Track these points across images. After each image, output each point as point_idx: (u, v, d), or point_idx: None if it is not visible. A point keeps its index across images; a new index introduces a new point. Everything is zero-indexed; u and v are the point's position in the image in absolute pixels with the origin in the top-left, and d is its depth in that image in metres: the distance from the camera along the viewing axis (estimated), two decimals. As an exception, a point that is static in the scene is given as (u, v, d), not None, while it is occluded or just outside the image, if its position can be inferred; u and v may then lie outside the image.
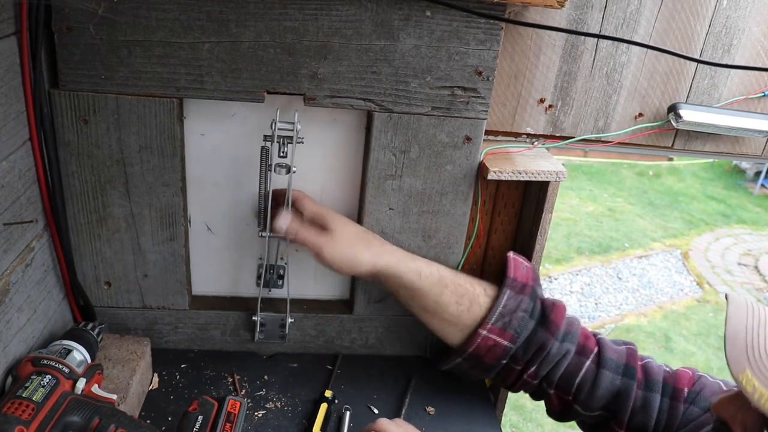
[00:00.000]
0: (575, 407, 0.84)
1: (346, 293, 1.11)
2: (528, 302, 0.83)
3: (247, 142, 0.95)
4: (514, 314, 0.81)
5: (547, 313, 0.82)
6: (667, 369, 0.84)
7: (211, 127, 0.95)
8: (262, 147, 0.90)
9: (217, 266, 1.06)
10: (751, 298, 0.66)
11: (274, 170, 0.91)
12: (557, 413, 0.89)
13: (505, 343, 0.80)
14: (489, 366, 0.86)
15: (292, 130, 0.89)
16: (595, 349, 0.83)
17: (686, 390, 0.79)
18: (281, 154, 0.90)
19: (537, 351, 0.82)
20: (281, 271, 1.05)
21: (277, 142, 0.89)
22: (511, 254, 0.95)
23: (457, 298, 0.86)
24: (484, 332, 0.80)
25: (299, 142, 0.90)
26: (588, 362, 0.82)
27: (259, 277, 1.06)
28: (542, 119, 1.03)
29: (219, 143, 0.96)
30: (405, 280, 0.88)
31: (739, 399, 0.63)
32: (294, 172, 0.91)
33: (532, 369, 0.83)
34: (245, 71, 0.86)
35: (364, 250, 0.88)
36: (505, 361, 0.84)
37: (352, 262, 0.88)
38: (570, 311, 0.86)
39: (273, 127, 0.88)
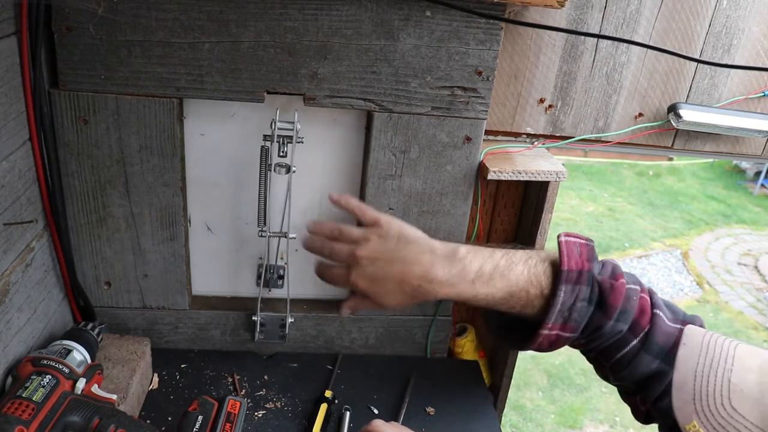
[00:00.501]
0: (609, 376, 0.81)
1: (346, 293, 1.11)
2: (585, 290, 0.75)
3: (247, 142, 0.95)
4: (573, 307, 0.75)
5: (605, 297, 0.75)
6: None
7: (211, 127, 0.95)
8: (262, 147, 0.90)
9: (217, 266, 1.06)
10: (710, 333, 0.62)
11: (274, 170, 0.91)
12: (597, 372, 0.83)
13: (568, 334, 0.76)
14: (549, 350, 0.80)
15: (292, 130, 0.89)
16: (646, 328, 0.76)
17: None
18: (281, 154, 0.90)
19: (593, 331, 0.77)
20: (281, 271, 1.05)
21: (277, 141, 0.89)
22: (562, 238, 0.80)
23: (519, 308, 0.79)
24: (545, 332, 0.75)
25: (299, 142, 0.90)
26: (635, 341, 0.76)
27: (259, 277, 1.06)
28: (542, 119, 1.03)
29: (219, 143, 0.96)
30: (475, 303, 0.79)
31: None
32: (294, 171, 0.91)
33: (583, 342, 0.79)
34: (245, 71, 0.86)
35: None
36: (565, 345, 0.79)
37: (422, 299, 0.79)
38: (627, 278, 0.77)
39: (273, 127, 0.88)
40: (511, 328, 0.84)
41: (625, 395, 0.82)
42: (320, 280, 0.86)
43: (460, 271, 0.76)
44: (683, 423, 0.55)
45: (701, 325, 0.76)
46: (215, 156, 0.96)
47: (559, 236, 0.81)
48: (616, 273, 0.78)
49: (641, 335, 0.76)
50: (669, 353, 0.74)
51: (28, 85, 0.78)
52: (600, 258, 0.81)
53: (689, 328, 0.63)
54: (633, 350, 0.76)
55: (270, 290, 1.06)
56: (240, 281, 1.08)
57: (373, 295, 0.79)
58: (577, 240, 0.81)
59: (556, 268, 0.77)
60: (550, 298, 0.75)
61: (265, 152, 0.90)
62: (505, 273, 0.76)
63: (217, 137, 0.95)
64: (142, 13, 0.81)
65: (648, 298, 0.77)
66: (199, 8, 0.81)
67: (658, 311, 0.76)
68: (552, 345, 0.77)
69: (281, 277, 1.05)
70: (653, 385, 0.75)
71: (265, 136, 0.91)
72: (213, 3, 0.81)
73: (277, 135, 0.89)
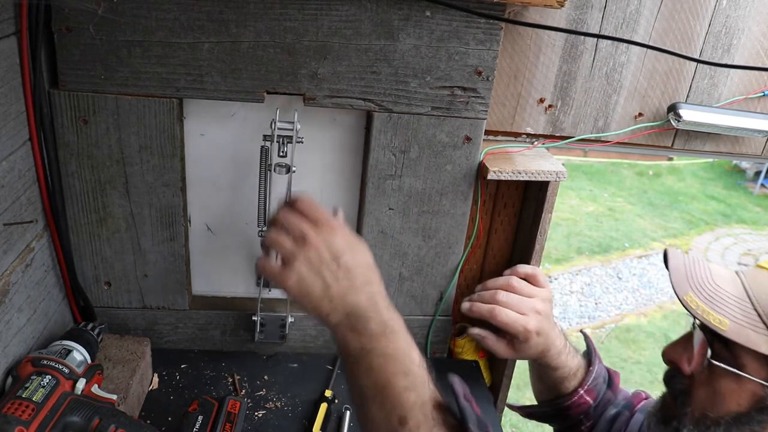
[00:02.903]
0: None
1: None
2: (604, 371, 0.98)
3: (247, 142, 0.95)
4: (598, 379, 0.96)
5: (612, 379, 0.98)
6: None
7: (211, 127, 0.95)
8: (262, 147, 0.90)
9: (217, 266, 1.06)
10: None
11: (274, 170, 0.91)
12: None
13: (590, 400, 0.95)
14: (570, 418, 0.97)
15: (292, 130, 0.89)
16: (635, 401, 0.97)
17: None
18: (281, 154, 0.90)
19: (603, 408, 0.96)
20: None
21: (277, 141, 0.89)
22: (586, 331, 1.05)
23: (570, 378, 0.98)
24: (582, 392, 0.94)
25: (299, 142, 0.90)
26: (628, 413, 0.96)
27: (259, 277, 1.06)
28: (542, 119, 1.03)
29: (219, 143, 0.96)
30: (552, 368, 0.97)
31: (684, 339, 0.75)
32: (294, 171, 0.91)
33: (591, 423, 0.96)
34: (245, 71, 0.86)
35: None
36: (581, 417, 0.96)
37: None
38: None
39: (273, 127, 0.88)
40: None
41: None
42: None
43: (551, 337, 0.94)
44: (681, 295, 0.69)
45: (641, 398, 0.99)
46: (215, 156, 0.96)
47: (582, 331, 1.05)
48: (610, 368, 1.00)
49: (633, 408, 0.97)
50: (627, 403, 0.97)
51: (28, 85, 0.78)
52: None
53: (668, 249, 0.79)
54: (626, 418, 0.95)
55: (270, 290, 1.06)
56: (240, 281, 1.08)
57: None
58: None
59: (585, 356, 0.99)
60: (587, 371, 0.96)
61: (265, 152, 0.90)
62: (569, 347, 0.97)
63: (217, 137, 0.95)
64: (142, 13, 0.81)
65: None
66: (199, 8, 0.81)
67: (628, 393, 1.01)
68: (578, 407, 0.95)
69: None
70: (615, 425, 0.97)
71: (265, 136, 0.91)
72: (213, 3, 0.81)
73: (277, 135, 0.89)
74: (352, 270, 0.68)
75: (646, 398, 0.98)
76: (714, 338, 0.68)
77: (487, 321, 0.93)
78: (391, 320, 0.68)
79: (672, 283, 0.71)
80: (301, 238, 0.68)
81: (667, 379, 0.76)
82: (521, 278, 0.96)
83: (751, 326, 0.65)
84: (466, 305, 0.96)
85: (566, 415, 0.96)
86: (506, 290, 0.94)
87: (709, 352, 0.68)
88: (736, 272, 0.73)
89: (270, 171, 0.91)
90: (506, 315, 0.91)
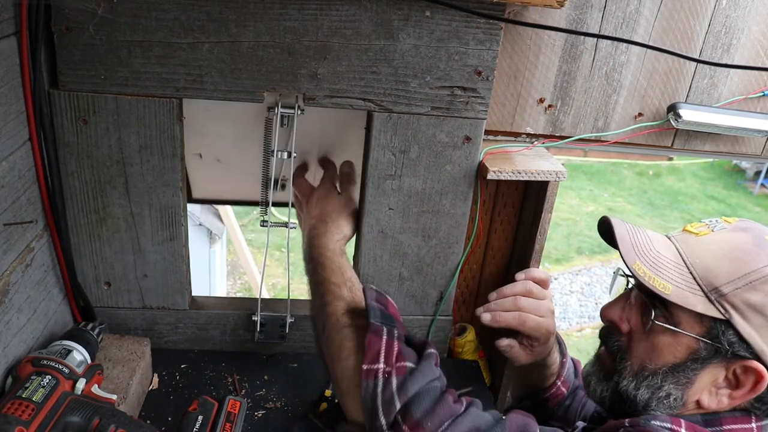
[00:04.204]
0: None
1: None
2: (571, 361, 1.04)
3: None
4: (570, 369, 1.02)
5: (576, 367, 1.04)
6: None
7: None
8: (266, 117, 0.91)
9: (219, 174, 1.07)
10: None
11: (276, 155, 0.92)
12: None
13: (565, 391, 1.00)
14: (546, 410, 1.01)
15: (293, 110, 0.90)
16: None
17: None
18: (283, 125, 0.92)
19: (574, 395, 1.02)
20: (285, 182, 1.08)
21: (281, 115, 0.91)
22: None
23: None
24: (559, 383, 1.00)
25: (300, 113, 0.91)
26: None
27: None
28: (542, 119, 1.03)
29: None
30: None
31: (622, 300, 0.81)
32: (295, 156, 0.92)
33: (562, 413, 1.01)
34: (245, 71, 0.86)
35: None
36: (554, 409, 1.01)
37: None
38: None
39: (276, 110, 0.89)
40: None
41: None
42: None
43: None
44: (630, 263, 0.74)
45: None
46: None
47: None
48: (574, 358, 1.06)
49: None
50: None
51: (28, 85, 0.78)
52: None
53: (609, 217, 0.82)
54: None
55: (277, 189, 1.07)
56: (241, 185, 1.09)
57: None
58: None
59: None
60: (561, 363, 1.01)
61: (269, 124, 0.91)
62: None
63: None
64: (142, 13, 0.81)
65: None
66: (199, 8, 0.81)
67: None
68: (555, 399, 1.00)
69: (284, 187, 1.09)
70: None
71: (269, 108, 0.92)
72: (213, 3, 0.81)
73: (280, 113, 0.90)
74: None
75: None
76: (656, 300, 0.74)
77: (512, 329, 0.94)
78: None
79: (621, 253, 0.75)
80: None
81: (604, 336, 0.82)
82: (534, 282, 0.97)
83: (689, 289, 0.71)
84: (487, 316, 0.95)
85: (544, 408, 1.00)
86: (525, 296, 0.95)
87: (653, 313, 0.74)
88: (668, 237, 0.79)
89: (272, 157, 0.92)
90: (534, 320, 0.93)
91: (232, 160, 1.10)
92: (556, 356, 0.99)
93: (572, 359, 1.04)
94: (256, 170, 1.00)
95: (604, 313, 0.82)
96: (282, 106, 0.89)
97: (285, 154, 0.93)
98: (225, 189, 1.18)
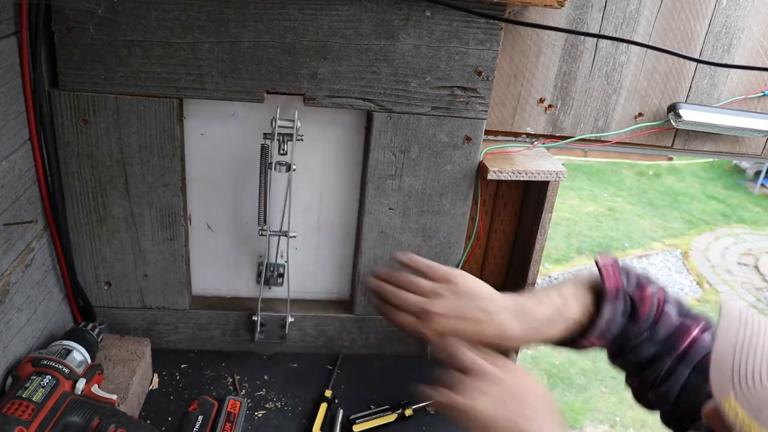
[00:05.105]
0: (617, 358, 0.86)
1: (346, 293, 1.11)
2: (621, 305, 0.82)
3: (247, 141, 0.95)
4: (612, 322, 0.81)
5: (636, 309, 0.81)
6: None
7: (211, 127, 0.95)
8: (262, 145, 0.90)
9: (217, 266, 1.06)
10: (746, 308, 0.61)
11: (275, 168, 0.91)
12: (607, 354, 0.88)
13: (600, 344, 0.83)
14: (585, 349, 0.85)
15: (292, 128, 0.89)
16: (657, 321, 0.82)
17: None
18: (281, 152, 0.90)
19: (622, 339, 0.83)
20: (281, 269, 1.05)
21: (278, 139, 0.89)
22: (599, 260, 0.86)
23: (570, 335, 0.84)
24: (585, 341, 0.82)
25: (299, 140, 0.90)
26: (646, 333, 0.82)
27: (259, 275, 1.06)
28: (542, 119, 1.03)
29: (219, 143, 0.96)
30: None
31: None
32: (294, 170, 0.91)
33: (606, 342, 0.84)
34: (245, 71, 0.86)
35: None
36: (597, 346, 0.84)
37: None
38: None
39: (273, 125, 0.88)
40: None
41: (629, 377, 0.86)
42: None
43: (530, 326, 0.79)
44: (720, 397, 0.52)
45: (690, 327, 0.81)
46: (215, 155, 0.96)
47: (596, 260, 0.86)
48: (641, 283, 0.83)
49: (650, 326, 0.81)
50: (667, 341, 0.80)
51: (28, 85, 0.78)
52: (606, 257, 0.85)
53: (726, 304, 0.65)
54: (641, 339, 0.81)
55: (270, 288, 1.06)
56: (240, 281, 1.08)
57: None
58: (609, 262, 0.86)
59: (597, 290, 0.83)
60: (594, 317, 0.81)
61: (265, 150, 0.90)
62: (563, 312, 0.81)
63: (217, 137, 0.95)
64: (142, 13, 0.81)
65: (663, 297, 0.83)
66: (199, 8, 0.81)
67: (667, 307, 0.82)
68: (585, 348, 0.84)
69: (281, 275, 1.05)
70: (651, 368, 0.80)
71: (265, 134, 0.91)
72: (213, 3, 0.81)
73: (278, 133, 0.89)
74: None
75: (695, 338, 0.79)
76: None
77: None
78: None
79: (710, 379, 0.54)
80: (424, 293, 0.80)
81: None
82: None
83: None
84: None
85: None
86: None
87: None
88: None
89: (270, 170, 0.91)
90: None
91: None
92: (560, 327, 0.81)
93: (632, 296, 0.81)
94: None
95: (707, 416, 0.58)
96: (280, 126, 0.88)
97: (284, 168, 0.91)
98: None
